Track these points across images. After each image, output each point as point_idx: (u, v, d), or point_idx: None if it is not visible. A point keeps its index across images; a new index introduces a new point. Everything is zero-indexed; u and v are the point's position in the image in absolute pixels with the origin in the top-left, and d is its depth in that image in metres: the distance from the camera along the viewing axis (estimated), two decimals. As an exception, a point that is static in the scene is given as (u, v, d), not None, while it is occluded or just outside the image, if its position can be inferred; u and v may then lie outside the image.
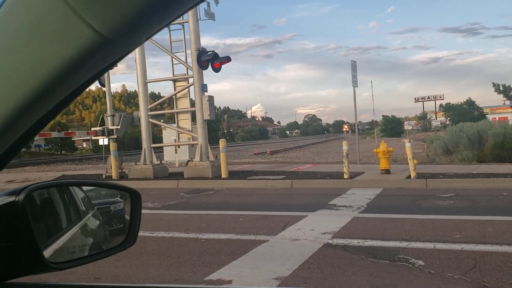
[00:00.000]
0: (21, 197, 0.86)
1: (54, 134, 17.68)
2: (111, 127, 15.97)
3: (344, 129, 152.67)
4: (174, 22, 11.89)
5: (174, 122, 16.61)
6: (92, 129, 17.20)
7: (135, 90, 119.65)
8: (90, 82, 0.65)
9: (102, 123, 16.26)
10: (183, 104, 15.84)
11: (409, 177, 11.86)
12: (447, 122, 59.01)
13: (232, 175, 14.49)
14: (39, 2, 0.52)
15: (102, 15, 0.49)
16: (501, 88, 52.35)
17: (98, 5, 0.49)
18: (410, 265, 4.94)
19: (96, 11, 0.49)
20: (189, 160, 15.60)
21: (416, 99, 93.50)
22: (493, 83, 53.10)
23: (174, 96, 15.91)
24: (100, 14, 0.49)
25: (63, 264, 0.99)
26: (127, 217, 1.24)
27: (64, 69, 0.55)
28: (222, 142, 14.51)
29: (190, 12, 13.45)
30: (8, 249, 0.84)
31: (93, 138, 18.93)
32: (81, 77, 0.60)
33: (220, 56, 14.71)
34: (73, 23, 0.51)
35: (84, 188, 1.28)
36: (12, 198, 0.86)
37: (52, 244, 1.02)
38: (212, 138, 29.25)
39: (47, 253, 0.96)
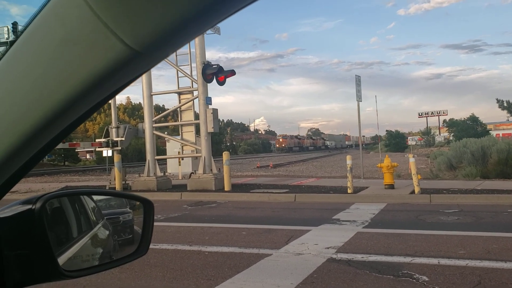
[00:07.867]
0: (37, 206, 0.88)
1: (59, 145, 17.72)
2: (115, 139, 16.06)
3: (277, 145, 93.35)
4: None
5: (178, 135, 16.68)
6: (97, 140, 17.26)
7: (139, 102, 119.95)
8: (113, 95, 0.66)
9: (107, 134, 16.37)
10: (188, 116, 15.91)
11: (413, 192, 11.83)
12: (451, 138, 58.76)
13: (235, 188, 14.48)
14: (72, 15, 0.54)
15: (133, 30, 0.51)
16: (505, 104, 52.22)
17: (129, 20, 0.51)
18: (414, 280, 4.91)
19: (127, 26, 0.51)
20: (192, 173, 15.62)
21: (420, 114, 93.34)
22: (497, 99, 52.94)
23: (178, 109, 16.00)
24: (131, 29, 0.51)
25: (76, 272, 1.00)
26: (136, 227, 1.25)
27: (92, 82, 0.57)
28: (225, 155, 14.53)
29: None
30: (24, 256, 0.85)
31: (98, 149, 19.00)
32: (106, 90, 0.62)
33: (224, 69, 14.83)
34: (104, 37, 0.53)
35: (95, 197, 1.29)
36: (28, 206, 0.88)
37: (65, 253, 1.03)
38: (216, 150, 29.23)
39: (60, 261, 0.97)
